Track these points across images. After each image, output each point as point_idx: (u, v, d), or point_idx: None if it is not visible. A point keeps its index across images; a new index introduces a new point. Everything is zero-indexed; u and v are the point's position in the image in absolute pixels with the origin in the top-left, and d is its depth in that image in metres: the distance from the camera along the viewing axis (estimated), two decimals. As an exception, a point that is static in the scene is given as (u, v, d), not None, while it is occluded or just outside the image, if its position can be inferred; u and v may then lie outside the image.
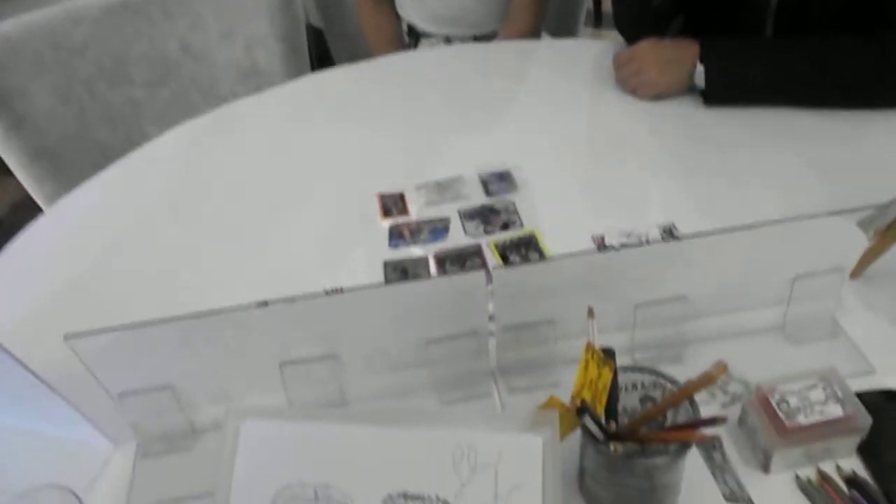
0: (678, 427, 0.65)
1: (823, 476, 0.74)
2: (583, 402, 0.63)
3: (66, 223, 1.17)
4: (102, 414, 0.80)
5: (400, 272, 1.00)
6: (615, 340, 0.69)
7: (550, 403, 0.65)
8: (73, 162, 1.55)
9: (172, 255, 1.07)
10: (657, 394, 0.72)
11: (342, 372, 0.79)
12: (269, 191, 1.18)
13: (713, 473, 0.65)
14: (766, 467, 0.74)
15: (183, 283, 1.00)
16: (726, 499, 0.65)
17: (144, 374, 0.76)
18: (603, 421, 0.65)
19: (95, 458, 0.81)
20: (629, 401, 0.73)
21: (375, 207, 1.12)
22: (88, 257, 1.08)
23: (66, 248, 1.12)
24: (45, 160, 1.51)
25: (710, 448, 0.64)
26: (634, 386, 0.72)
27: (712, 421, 0.61)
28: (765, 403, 0.74)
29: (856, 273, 0.90)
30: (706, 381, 0.64)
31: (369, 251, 1.04)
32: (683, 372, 0.69)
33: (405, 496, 0.58)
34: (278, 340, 0.77)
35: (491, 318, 0.82)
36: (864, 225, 0.80)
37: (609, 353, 0.68)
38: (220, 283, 0.94)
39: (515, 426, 0.59)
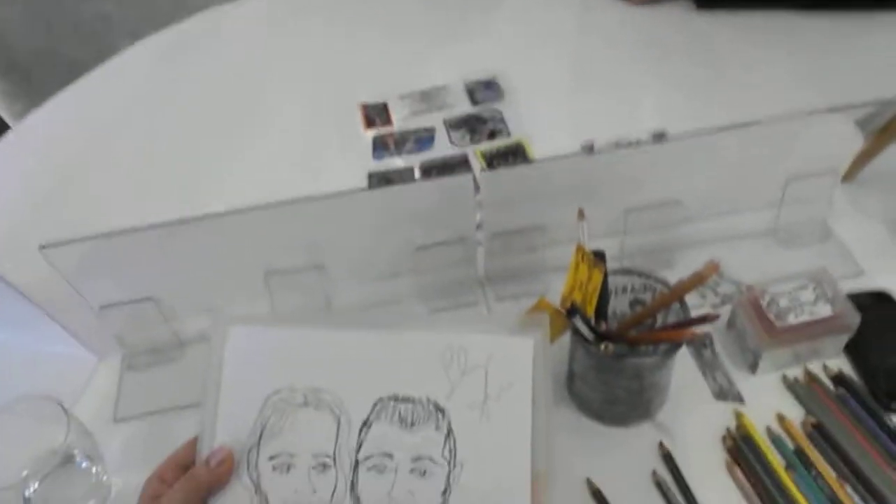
0: (668, 327, 0.65)
1: (810, 375, 0.75)
2: (573, 303, 0.62)
3: (36, 138, 1.14)
4: (85, 327, 0.78)
5: (384, 183, 0.97)
6: (605, 246, 0.68)
7: (540, 306, 0.65)
8: (44, 79, 1.49)
9: (149, 168, 1.04)
10: (647, 297, 0.71)
11: (328, 281, 0.78)
12: (246, 102, 1.14)
13: (703, 372, 0.65)
14: (753, 368, 0.75)
15: (161, 195, 0.97)
16: (716, 397, 0.65)
17: (125, 286, 0.74)
18: (593, 322, 0.65)
19: (80, 372, 0.80)
20: (619, 304, 0.72)
21: (358, 118, 1.08)
22: (61, 172, 1.05)
23: (37, 164, 1.08)
24: (14, 76, 1.45)
25: (701, 346, 0.63)
26: (624, 289, 0.71)
27: (703, 319, 0.60)
28: (755, 304, 0.73)
29: (849, 176, 0.89)
30: (697, 280, 0.64)
31: (352, 163, 1.01)
32: (674, 276, 0.68)
33: (395, 399, 0.57)
34: (262, 249, 0.75)
35: (478, 226, 0.81)
36: (862, 123, 0.78)
37: (599, 256, 0.67)
38: (199, 195, 0.91)
39: (505, 329, 0.58)
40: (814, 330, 0.72)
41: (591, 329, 0.63)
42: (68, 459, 0.66)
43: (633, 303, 0.72)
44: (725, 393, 0.63)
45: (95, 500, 0.68)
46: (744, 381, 0.74)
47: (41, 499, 0.65)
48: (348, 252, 0.78)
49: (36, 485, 0.64)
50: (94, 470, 0.68)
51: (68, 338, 0.78)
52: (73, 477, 0.67)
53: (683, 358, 0.68)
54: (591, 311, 0.65)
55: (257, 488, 0.56)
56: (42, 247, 0.67)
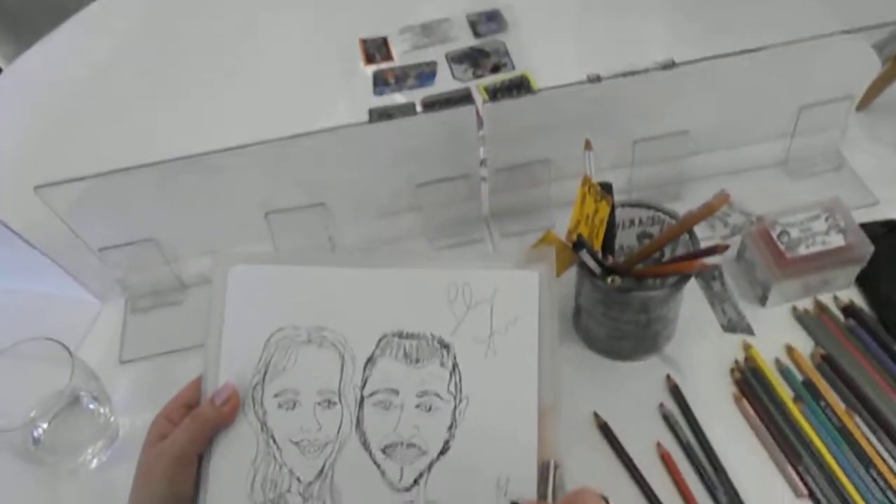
0: (677, 259, 0.63)
1: (820, 306, 0.74)
2: (579, 236, 0.61)
3: (28, 80, 1.11)
4: (87, 270, 0.78)
5: (385, 119, 0.95)
6: (612, 180, 0.66)
7: (546, 239, 0.63)
8: (34, 20, 1.46)
9: (145, 107, 1.01)
10: (655, 230, 0.70)
11: (330, 220, 0.76)
12: (244, 39, 1.10)
13: (712, 304, 0.64)
14: (763, 300, 0.74)
15: (158, 134, 0.94)
16: (724, 329, 0.64)
17: (124, 227, 0.73)
18: (600, 255, 0.63)
19: (84, 316, 0.79)
20: (626, 238, 0.71)
21: (357, 53, 1.05)
22: (56, 113, 1.03)
23: (31, 106, 1.06)
24: (3, 17, 1.41)
25: (710, 278, 0.62)
26: (632, 222, 0.70)
27: (713, 250, 0.59)
28: (765, 235, 0.72)
29: (864, 103, 0.87)
30: (707, 211, 0.62)
31: (353, 99, 0.99)
32: (682, 210, 0.66)
33: (400, 335, 0.56)
34: (262, 188, 0.74)
35: (482, 162, 0.79)
36: (879, 47, 0.75)
37: (606, 188, 0.65)
38: (196, 134, 0.88)
39: (510, 264, 0.57)
40: (825, 261, 0.70)
41: (598, 262, 0.62)
42: (75, 401, 0.66)
43: (641, 236, 0.71)
44: (734, 325, 0.62)
45: (104, 440, 0.68)
46: (753, 314, 0.73)
47: (50, 439, 0.65)
48: (350, 189, 0.77)
49: (45, 426, 0.65)
50: (101, 411, 0.68)
51: (71, 282, 0.78)
52: (81, 418, 0.67)
53: (691, 291, 0.67)
54: (597, 245, 0.64)
55: (263, 426, 0.56)
56: (37, 187, 0.66)
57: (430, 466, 0.54)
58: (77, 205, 0.69)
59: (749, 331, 0.63)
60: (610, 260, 0.63)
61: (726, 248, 0.57)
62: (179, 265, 0.79)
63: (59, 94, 1.06)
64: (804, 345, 0.71)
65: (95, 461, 0.68)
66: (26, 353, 0.65)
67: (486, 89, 0.98)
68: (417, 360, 0.56)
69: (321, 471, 0.55)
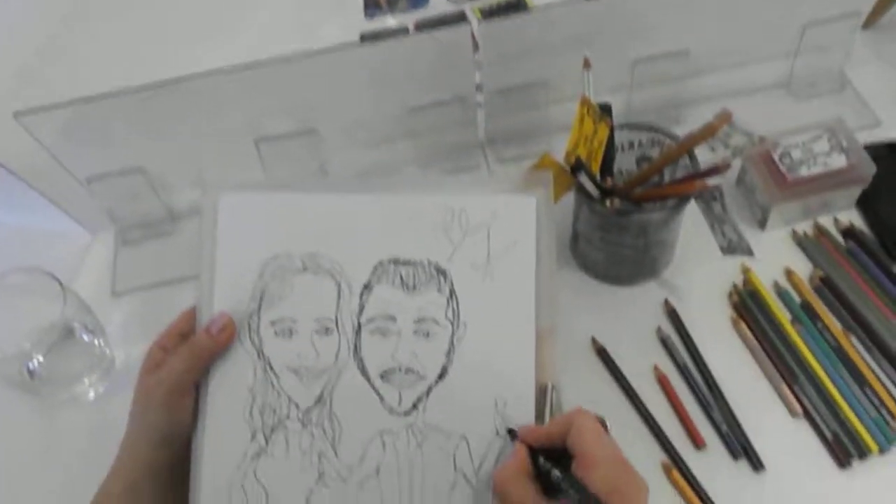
0: (677, 181, 0.62)
1: (820, 229, 0.73)
2: (577, 158, 0.60)
3: (5, 5, 1.06)
4: (75, 202, 0.76)
5: (377, 43, 0.92)
6: (611, 104, 0.65)
7: (544, 163, 0.62)
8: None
9: (131, 31, 0.97)
10: (655, 152, 0.68)
11: (322, 147, 0.75)
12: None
13: (711, 226, 0.63)
14: (762, 224, 0.73)
15: (144, 58, 0.89)
16: (724, 252, 0.63)
17: (111, 156, 0.71)
18: (598, 178, 0.62)
19: (73, 249, 0.78)
20: (625, 162, 0.70)
21: (347, -26, 1.01)
22: (38, 38, 0.99)
23: (12, 32, 1.02)
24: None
25: (710, 199, 0.61)
26: (631, 145, 0.68)
27: (714, 170, 0.58)
28: (766, 157, 0.71)
29: (870, 21, 0.84)
30: (708, 131, 0.61)
31: (343, 22, 0.95)
32: (682, 133, 0.65)
33: (396, 262, 0.56)
34: (250, 113, 0.72)
35: (478, 87, 0.77)
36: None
37: (605, 109, 0.64)
38: (183, 57, 0.86)
39: (507, 189, 0.56)
40: (827, 182, 0.69)
41: (597, 185, 0.61)
42: (69, 333, 0.66)
43: (640, 160, 0.69)
44: (734, 247, 0.62)
45: (99, 371, 0.68)
46: (752, 238, 0.72)
47: (45, 371, 0.65)
48: (341, 115, 0.75)
49: (40, 358, 0.64)
50: (95, 342, 0.67)
51: (59, 214, 0.76)
52: (76, 350, 0.66)
53: (691, 215, 0.66)
54: (596, 168, 0.63)
55: (259, 354, 0.55)
56: (18, 114, 0.64)
57: (428, 391, 0.54)
58: (61, 133, 0.67)
59: (749, 252, 0.62)
60: (608, 182, 0.61)
61: (728, 166, 0.56)
62: (169, 196, 0.78)
63: (41, 19, 1.02)
64: (803, 268, 0.71)
65: (92, 392, 0.68)
66: (16, 285, 0.64)
67: (481, 11, 0.95)
68: (414, 287, 0.55)
69: (319, 397, 0.55)
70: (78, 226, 0.78)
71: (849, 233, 0.72)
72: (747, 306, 0.68)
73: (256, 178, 0.75)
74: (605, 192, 0.62)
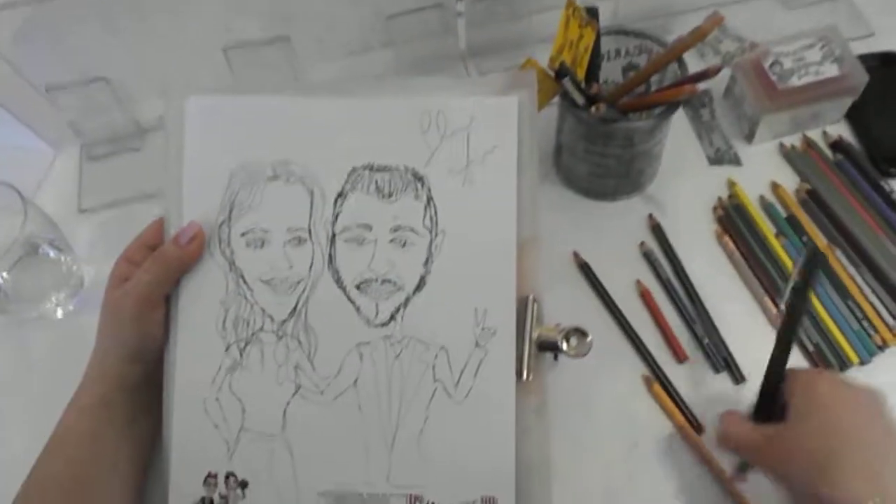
0: (666, 87, 0.60)
1: (808, 142, 0.71)
2: (562, 63, 0.57)
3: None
4: (37, 115, 0.73)
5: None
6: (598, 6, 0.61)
7: (527, 65, 0.59)
8: None
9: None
10: (642, 60, 0.66)
11: (294, 57, 0.71)
12: None
13: (699, 135, 0.61)
14: (749, 137, 0.71)
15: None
16: (711, 163, 0.61)
17: (72, 64, 0.68)
18: (583, 85, 0.60)
19: (36, 165, 0.75)
20: (611, 72, 0.67)
21: None
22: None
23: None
24: None
25: (699, 106, 0.59)
26: (618, 53, 0.66)
27: (704, 74, 0.55)
28: (756, 67, 0.68)
29: (866, -75, 0.80)
30: (698, 35, 0.58)
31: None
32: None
33: (371, 168, 0.53)
34: (219, 14, 0.68)
35: (458, -5, 0.73)
36: None
37: (592, 12, 0.60)
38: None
39: (488, 90, 0.53)
40: (818, 91, 0.67)
41: (582, 92, 0.58)
42: (33, 249, 0.63)
43: (627, 69, 0.67)
44: (722, 156, 0.60)
45: (68, 288, 0.66)
46: (739, 152, 0.70)
47: (11, 288, 0.63)
48: (315, 21, 0.71)
49: (4, 274, 0.62)
50: (62, 259, 0.65)
51: (20, 128, 0.73)
52: (42, 267, 0.64)
53: (677, 128, 0.64)
54: (581, 74, 0.60)
55: (231, 265, 0.53)
56: (-34, 15, 0.60)
57: (406, 302, 0.53)
58: (17, 37, 0.63)
59: (737, 161, 0.60)
60: (594, 89, 0.59)
61: (718, 70, 0.54)
62: (136, 108, 0.74)
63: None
64: (789, 182, 0.70)
65: (61, 310, 0.66)
66: (-25, 199, 0.61)
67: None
68: (390, 194, 0.53)
69: (294, 309, 0.53)
70: (41, 141, 0.75)
71: (837, 146, 0.71)
72: (732, 220, 0.67)
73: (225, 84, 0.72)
74: (591, 99, 0.59)
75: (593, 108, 0.57)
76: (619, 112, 0.61)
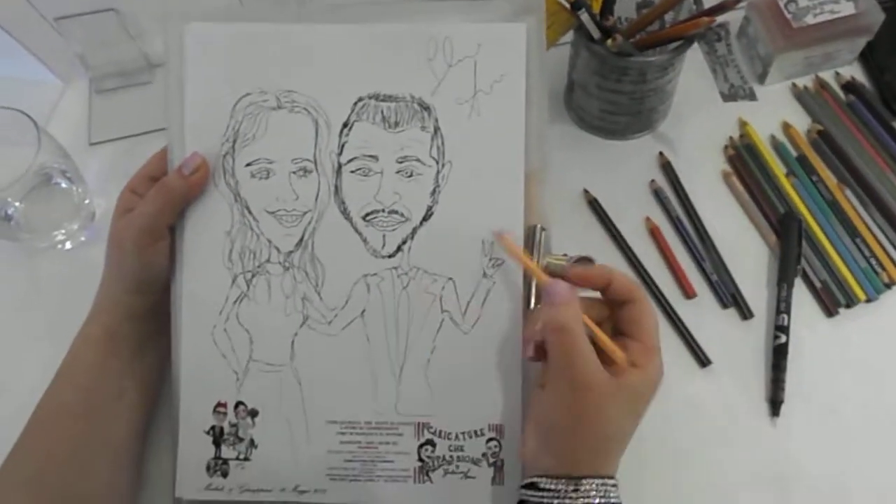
0: (682, 21, 0.59)
1: (821, 82, 0.70)
2: (576, -5, 0.56)
3: None
4: (45, 47, 0.72)
5: None
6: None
7: (539, -3, 0.58)
8: None
9: None
10: (656, -5, 0.64)
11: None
12: None
13: (714, 70, 0.60)
14: (762, 77, 0.70)
15: None
16: (724, 99, 0.60)
17: (81, -4, 0.67)
18: (598, 17, 0.59)
19: (46, 98, 0.75)
20: (625, 9, 0.66)
21: None
22: None
23: None
24: None
25: (714, 40, 0.57)
26: (631, -14, 0.65)
27: (722, 6, 0.54)
28: (771, 5, 0.67)
29: None
30: (714, -32, 0.57)
31: None
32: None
33: (377, 97, 0.53)
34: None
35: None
36: None
37: (605, -57, 0.59)
38: None
39: (496, 17, 0.52)
40: (833, 30, 0.66)
41: (597, 24, 0.57)
42: (46, 179, 0.64)
43: (641, 5, 0.66)
44: (736, 91, 0.59)
45: (79, 219, 0.66)
46: (751, 91, 0.70)
47: (23, 218, 0.63)
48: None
49: (17, 204, 0.62)
50: (74, 190, 0.65)
51: (29, 60, 0.73)
52: (54, 197, 0.65)
53: (689, 69, 0.63)
54: (596, 6, 0.59)
55: (236, 196, 0.54)
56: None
57: (413, 233, 0.53)
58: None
59: (752, 96, 0.59)
60: (610, 21, 0.58)
61: (737, 2, 0.53)
62: (145, 42, 0.74)
63: None
64: (801, 123, 0.69)
65: (72, 241, 0.67)
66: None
67: None
68: (396, 124, 0.53)
69: (301, 240, 0.54)
70: (50, 74, 0.74)
71: (850, 87, 0.70)
72: (743, 159, 0.66)
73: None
74: (606, 33, 0.58)
75: (609, 41, 0.56)
76: (634, 47, 0.60)
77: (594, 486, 0.44)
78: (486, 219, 0.52)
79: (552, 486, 0.45)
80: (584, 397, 0.45)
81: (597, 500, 0.44)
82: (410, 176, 0.53)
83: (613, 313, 0.49)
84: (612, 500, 0.44)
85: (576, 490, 0.44)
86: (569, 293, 0.46)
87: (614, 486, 0.45)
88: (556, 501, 0.44)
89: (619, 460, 0.46)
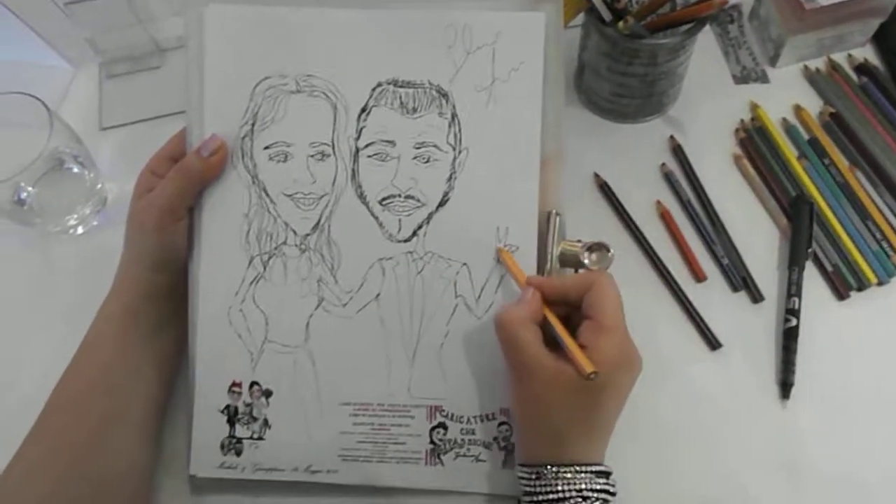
0: (693, 4, 0.59)
1: (833, 65, 0.70)
2: (589, -24, 0.56)
3: None
4: (56, 31, 0.72)
5: None
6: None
7: (553, -21, 0.58)
8: None
9: None
10: (668, -22, 0.64)
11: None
12: None
13: (726, 53, 0.60)
14: (774, 60, 0.70)
15: None
16: (737, 81, 0.60)
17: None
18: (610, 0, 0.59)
19: (56, 82, 0.75)
20: (636, -12, 0.66)
21: None
22: None
23: None
24: None
25: (727, 22, 0.58)
26: (643, -30, 0.64)
27: (733, -12, 0.54)
28: (784, -14, 0.67)
29: None
30: (728, -50, 0.57)
31: None
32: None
33: (395, 83, 0.53)
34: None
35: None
36: None
37: (618, -75, 0.59)
38: None
39: (514, 5, 0.53)
40: (845, 11, 0.66)
41: (609, 6, 0.57)
42: (58, 164, 0.64)
43: (652, -13, 0.66)
44: (748, 74, 0.59)
45: (92, 203, 0.66)
46: (763, 73, 0.70)
47: (36, 202, 0.63)
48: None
49: (30, 188, 0.63)
50: (86, 174, 0.66)
51: (40, 45, 0.72)
52: (67, 181, 0.65)
53: (700, 52, 0.63)
54: (607, -11, 0.59)
55: (254, 178, 0.54)
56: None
57: (428, 218, 0.54)
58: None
59: (764, 78, 0.60)
60: (621, 3, 0.58)
61: (749, -18, 0.53)
62: (155, 27, 0.73)
63: None
64: (813, 105, 0.69)
65: (84, 225, 0.67)
66: (0, 112, 0.61)
67: None
68: (414, 110, 0.53)
69: (317, 223, 0.54)
70: (60, 58, 0.74)
71: (862, 69, 0.70)
72: (754, 142, 0.66)
73: None
74: (618, 15, 0.58)
75: (620, 23, 0.56)
76: (645, 29, 0.60)
77: (553, 473, 0.45)
78: (501, 205, 0.53)
79: (523, 474, 0.47)
80: (528, 387, 0.47)
81: (559, 487, 0.45)
82: (427, 162, 0.53)
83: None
84: (583, 487, 0.45)
85: (538, 478, 0.46)
86: (526, 295, 0.48)
87: (584, 472, 0.45)
88: (528, 488, 0.47)
89: (591, 447, 0.47)
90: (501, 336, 0.48)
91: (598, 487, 0.45)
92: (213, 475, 0.55)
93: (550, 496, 0.45)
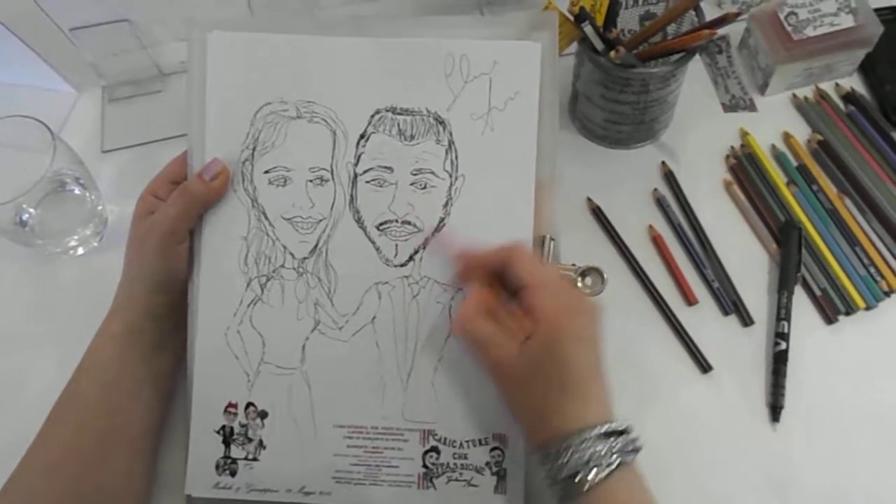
0: (684, 33, 0.60)
1: (821, 93, 0.72)
2: (582, 8, 0.58)
3: None
4: (60, 56, 0.73)
5: None
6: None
7: (548, 9, 0.60)
8: None
9: None
10: (660, 9, 0.66)
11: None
12: None
13: (715, 82, 0.61)
14: (763, 88, 0.72)
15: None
16: (726, 109, 0.62)
17: (97, 7, 0.68)
18: (602, 29, 0.60)
19: (60, 106, 0.76)
20: (628, 21, 0.67)
21: None
22: None
23: None
24: None
25: (716, 52, 0.59)
26: (636, 0, 0.66)
27: (723, 19, 0.56)
28: (772, 17, 0.69)
29: None
30: (717, -18, 0.58)
31: None
32: None
33: (394, 111, 0.54)
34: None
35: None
36: None
37: (611, -42, 0.61)
38: None
39: (510, 33, 0.54)
40: (832, 42, 0.68)
41: (601, 36, 0.59)
42: (60, 186, 0.65)
43: (644, 17, 0.67)
44: (737, 103, 0.61)
45: (92, 225, 0.67)
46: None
47: (38, 223, 0.64)
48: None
49: (32, 210, 0.64)
50: (88, 197, 0.66)
51: (44, 70, 0.74)
52: (68, 203, 0.66)
53: (691, 80, 0.65)
54: (600, 20, 0.61)
55: (254, 202, 0.55)
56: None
57: (425, 244, 0.55)
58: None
59: (752, 107, 0.61)
60: (613, 33, 0.60)
61: (738, 14, 0.54)
62: (157, 52, 0.75)
63: None
64: (801, 133, 0.70)
65: (85, 247, 0.68)
66: (4, 134, 0.62)
67: None
68: (412, 137, 0.54)
69: (315, 247, 0.55)
70: (64, 82, 0.75)
71: (850, 97, 0.71)
72: (744, 168, 0.68)
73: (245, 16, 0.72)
74: (609, 44, 0.60)
75: (612, 53, 0.57)
76: (636, 58, 0.62)
77: (554, 451, 0.45)
78: (496, 231, 0.53)
79: (539, 462, 0.47)
80: (503, 378, 0.48)
81: (547, 466, 0.45)
82: (424, 188, 0.54)
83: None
84: (571, 459, 0.44)
85: (544, 461, 0.46)
86: (469, 290, 0.50)
87: (588, 438, 0.44)
88: (544, 473, 0.46)
89: (584, 407, 0.45)
90: (464, 340, 0.49)
91: (616, 448, 0.44)
92: (208, 495, 0.55)
93: (564, 472, 0.44)
